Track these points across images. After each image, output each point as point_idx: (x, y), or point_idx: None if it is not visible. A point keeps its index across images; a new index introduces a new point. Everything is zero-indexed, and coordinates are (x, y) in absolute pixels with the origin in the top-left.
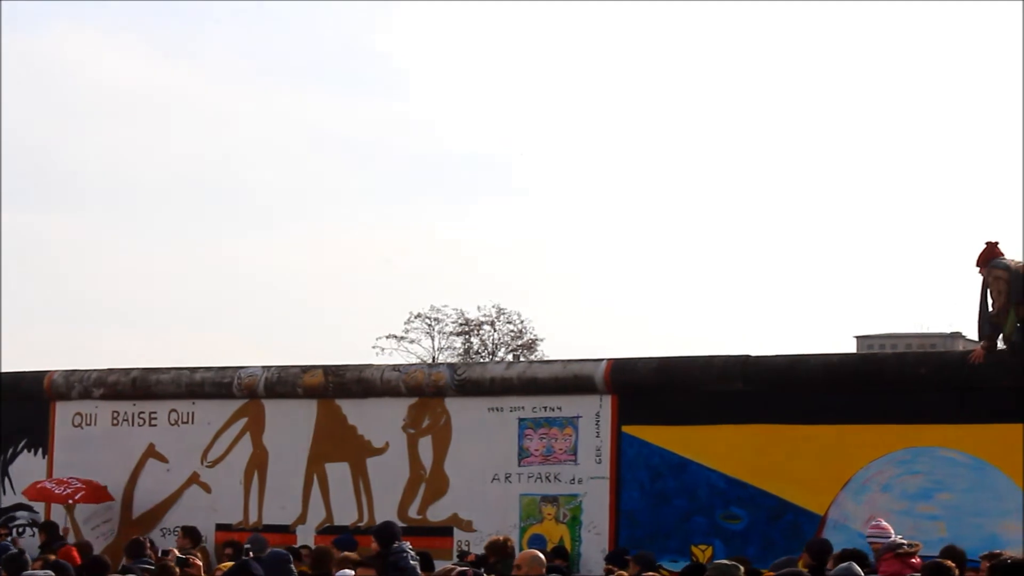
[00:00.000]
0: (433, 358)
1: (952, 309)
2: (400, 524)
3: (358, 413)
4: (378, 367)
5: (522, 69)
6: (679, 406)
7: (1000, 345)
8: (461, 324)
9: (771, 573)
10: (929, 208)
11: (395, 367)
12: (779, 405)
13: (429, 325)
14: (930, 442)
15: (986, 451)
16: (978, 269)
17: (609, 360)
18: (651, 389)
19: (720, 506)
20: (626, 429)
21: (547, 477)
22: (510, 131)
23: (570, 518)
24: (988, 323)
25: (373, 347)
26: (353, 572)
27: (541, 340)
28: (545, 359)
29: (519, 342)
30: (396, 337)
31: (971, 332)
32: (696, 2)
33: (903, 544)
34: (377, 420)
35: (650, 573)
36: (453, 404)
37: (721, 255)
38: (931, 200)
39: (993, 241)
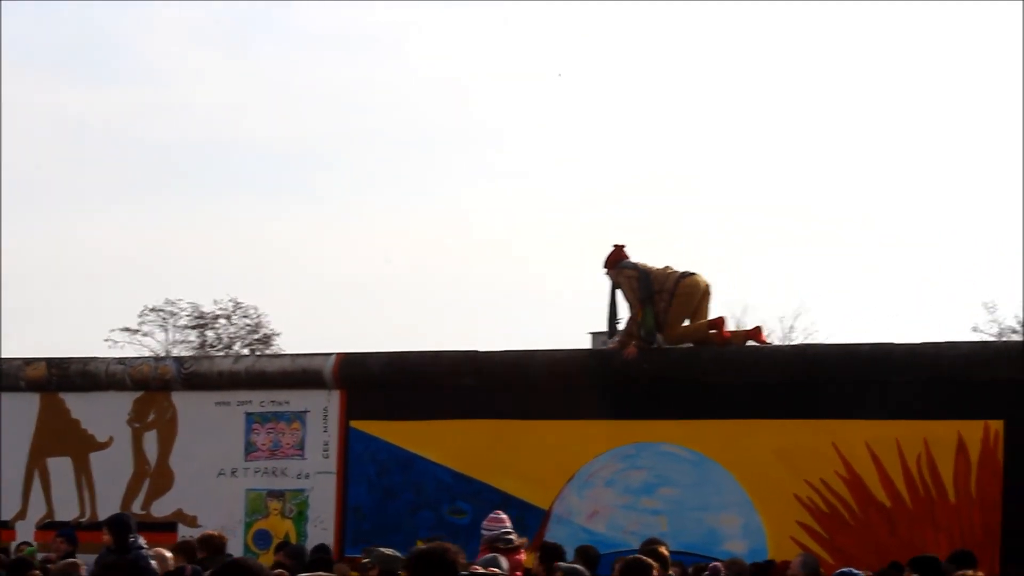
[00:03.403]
0: (167, 352)
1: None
2: None
3: (82, 407)
4: (103, 360)
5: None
6: (407, 401)
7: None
8: (196, 317)
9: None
10: (672, 209)
11: (120, 360)
12: (507, 400)
13: (163, 319)
14: (653, 437)
15: (707, 446)
16: (605, 271)
17: (338, 354)
18: (380, 384)
19: (447, 501)
20: (354, 424)
21: (274, 472)
22: (255, 125)
23: (296, 513)
24: (615, 321)
25: (105, 340)
26: None
27: (278, 335)
28: (273, 353)
29: (255, 336)
30: (129, 330)
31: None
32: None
33: (511, 539)
34: (101, 414)
35: None
36: (180, 398)
37: (454, 249)
38: (670, 201)
39: (620, 244)
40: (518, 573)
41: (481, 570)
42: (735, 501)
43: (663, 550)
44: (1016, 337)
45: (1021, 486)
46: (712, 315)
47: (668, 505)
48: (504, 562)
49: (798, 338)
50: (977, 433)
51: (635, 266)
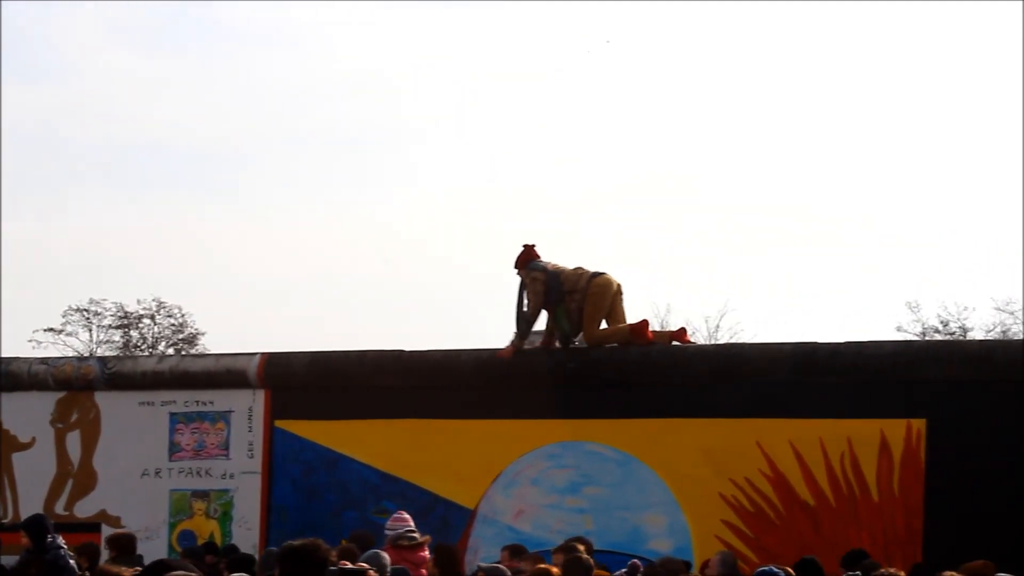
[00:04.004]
0: (91, 352)
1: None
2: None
3: (4, 407)
4: (25, 360)
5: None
6: (332, 401)
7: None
8: (120, 317)
9: None
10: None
11: (43, 360)
12: (432, 400)
13: (87, 319)
14: (579, 437)
15: (632, 446)
16: (516, 271)
17: (263, 354)
18: (305, 384)
19: (372, 501)
20: (279, 424)
21: (198, 472)
22: (179, 125)
23: (221, 513)
24: (524, 322)
25: (29, 341)
26: None
27: (203, 334)
28: (198, 353)
29: (180, 336)
30: (53, 331)
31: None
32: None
33: (414, 537)
34: (24, 414)
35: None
36: (103, 398)
37: (381, 249)
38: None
39: (530, 244)
40: (422, 570)
41: (349, 566)
42: (660, 500)
43: (580, 546)
44: (939, 336)
45: (943, 484)
46: (625, 313)
47: (593, 504)
48: (386, 558)
49: (723, 337)
50: (900, 432)
51: (544, 267)
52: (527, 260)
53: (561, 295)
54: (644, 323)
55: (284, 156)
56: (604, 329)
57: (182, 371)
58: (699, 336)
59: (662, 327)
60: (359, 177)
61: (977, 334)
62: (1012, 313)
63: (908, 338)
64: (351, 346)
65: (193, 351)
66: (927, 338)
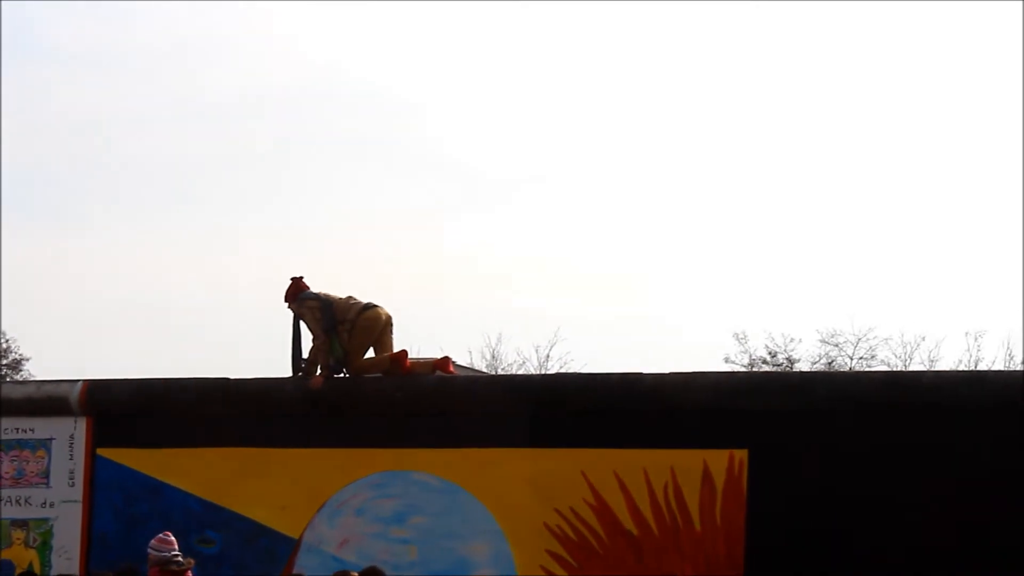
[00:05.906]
0: None
1: (440, 337)
2: None
3: None
4: None
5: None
6: (156, 429)
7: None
8: None
9: None
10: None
11: None
12: (257, 428)
13: None
14: (404, 466)
15: (457, 475)
16: (287, 305)
17: (85, 381)
18: (128, 411)
19: (195, 530)
20: (101, 452)
21: (17, 501)
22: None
23: (40, 542)
24: (300, 355)
25: None
26: None
27: (28, 359)
28: (18, 380)
29: (4, 361)
30: None
31: (460, 357)
32: None
33: (181, 562)
34: None
35: None
36: None
37: (212, 275)
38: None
39: (298, 276)
40: None
41: None
42: (485, 530)
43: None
44: (767, 368)
45: (764, 515)
46: (393, 345)
47: (418, 534)
48: None
49: (553, 367)
50: (723, 462)
51: (317, 296)
52: (297, 292)
53: (334, 323)
54: (403, 353)
55: (115, 179)
56: (366, 359)
57: (2, 398)
58: (529, 366)
59: (493, 357)
60: (195, 202)
61: (803, 365)
62: (837, 345)
63: (734, 369)
64: (179, 375)
65: (18, 377)
66: (754, 369)
